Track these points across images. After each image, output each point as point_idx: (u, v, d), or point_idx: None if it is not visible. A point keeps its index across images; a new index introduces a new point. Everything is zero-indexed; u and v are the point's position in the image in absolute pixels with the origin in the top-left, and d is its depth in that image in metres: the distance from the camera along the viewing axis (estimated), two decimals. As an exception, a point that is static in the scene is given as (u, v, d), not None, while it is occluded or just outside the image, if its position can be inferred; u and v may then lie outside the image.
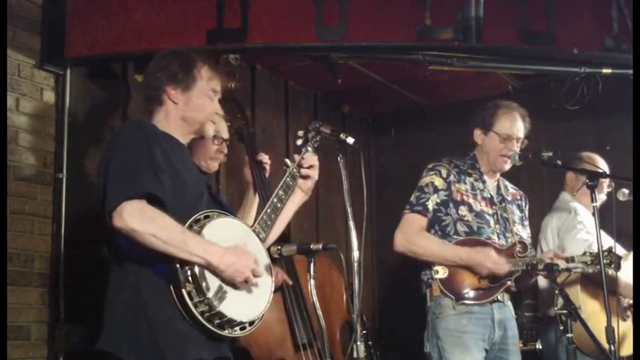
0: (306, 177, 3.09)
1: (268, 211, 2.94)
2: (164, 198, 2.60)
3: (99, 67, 4.19)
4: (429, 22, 3.72)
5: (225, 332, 2.60)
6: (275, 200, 2.96)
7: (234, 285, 2.63)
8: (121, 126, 2.93)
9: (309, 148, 3.09)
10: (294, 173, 3.05)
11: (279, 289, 3.48)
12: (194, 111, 2.86)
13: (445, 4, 3.73)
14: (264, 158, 3.68)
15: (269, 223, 2.91)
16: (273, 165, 3.72)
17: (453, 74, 4.75)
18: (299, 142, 3.11)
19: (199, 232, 2.60)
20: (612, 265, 3.76)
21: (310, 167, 3.08)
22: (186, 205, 2.68)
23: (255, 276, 2.67)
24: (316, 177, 3.11)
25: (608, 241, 3.78)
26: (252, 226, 2.86)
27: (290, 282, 3.54)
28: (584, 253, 3.77)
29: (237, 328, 2.64)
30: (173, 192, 2.66)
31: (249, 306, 2.67)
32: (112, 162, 2.65)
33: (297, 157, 3.09)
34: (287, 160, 3.08)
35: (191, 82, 2.85)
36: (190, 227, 2.61)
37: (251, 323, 2.69)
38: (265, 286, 2.77)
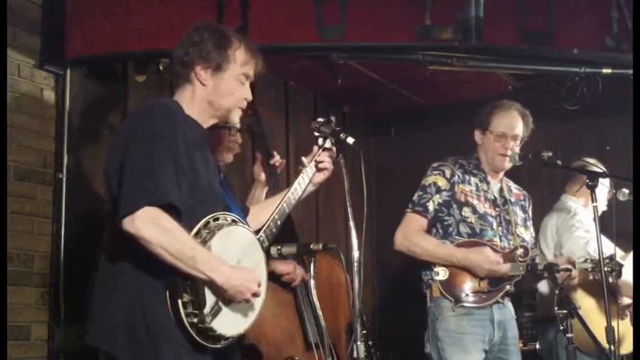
0: (322, 169, 2.93)
1: (276, 217, 2.79)
2: (182, 207, 2.43)
3: (99, 67, 4.19)
4: (429, 22, 3.73)
5: (210, 344, 2.53)
6: (284, 206, 2.83)
7: (228, 300, 2.53)
8: (144, 107, 2.60)
9: (327, 141, 2.93)
10: (309, 173, 2.89)
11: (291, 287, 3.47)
12: (222, 95, 2.65)
13: (445, 4, 3.74)
14: (278, 159, 3.65)
15: (274, 230, 2.77)
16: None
17: (453, 74, 4.75)
18: (319, 137, 2.94)
19: (208, 240, 2.47)
20: (613, 273, 3.73)
21: (327, 159, 2.91)
22: (201, 206, 2.53)
23: (254, 296, 2.57)
24: (331, 168, 2.93)
25: (607, 244, 3.75)
26: (258, 234, 2.71)
27: (307, 278, 3.49)
28: (585, 260, 3.75)
29: (221, 341, 2.56)
30: (190, 192, 2.50)
31: (237, 321, 2.61)
32: (131, 158, 2.41)
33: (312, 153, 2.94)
34: (303, 159, 2.88)
35: (223, 64, 2.62)
36: (199, 232, 2.47)
37: (233, 337, 2.61)
38: (258, 299, 2.67)
